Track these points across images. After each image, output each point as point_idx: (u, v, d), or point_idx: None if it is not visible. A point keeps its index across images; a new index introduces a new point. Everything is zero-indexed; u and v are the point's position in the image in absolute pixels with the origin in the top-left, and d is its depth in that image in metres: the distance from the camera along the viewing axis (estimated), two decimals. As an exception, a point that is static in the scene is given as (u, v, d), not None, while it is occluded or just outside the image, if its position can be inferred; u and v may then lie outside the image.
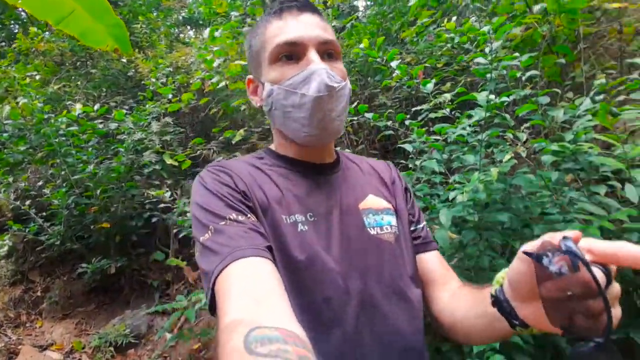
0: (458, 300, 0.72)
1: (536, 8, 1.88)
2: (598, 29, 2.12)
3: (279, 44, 0.70)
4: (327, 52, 0.72)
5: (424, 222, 0.87)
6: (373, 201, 0.78)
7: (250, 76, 0.81)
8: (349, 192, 0.77)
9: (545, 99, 1.51)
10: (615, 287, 0.46)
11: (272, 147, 0.82)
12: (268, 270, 0.56)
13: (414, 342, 0.71)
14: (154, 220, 3.25)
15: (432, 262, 0.81)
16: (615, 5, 1.90)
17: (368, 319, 0.67)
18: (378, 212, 0.77)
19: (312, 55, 0.69)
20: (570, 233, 0.45)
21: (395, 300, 0.70)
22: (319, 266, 0.66)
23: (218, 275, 0.55)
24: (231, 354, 0.41)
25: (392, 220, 0.78)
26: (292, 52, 0.70)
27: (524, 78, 1.58)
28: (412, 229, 0.83)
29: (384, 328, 0.68)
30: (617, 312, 0.45)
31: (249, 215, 0.64)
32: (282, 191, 0.71)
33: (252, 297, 0.50)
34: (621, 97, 1.60)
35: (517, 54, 1.54)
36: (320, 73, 0.68)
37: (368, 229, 0.74)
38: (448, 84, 2.37)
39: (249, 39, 0.79)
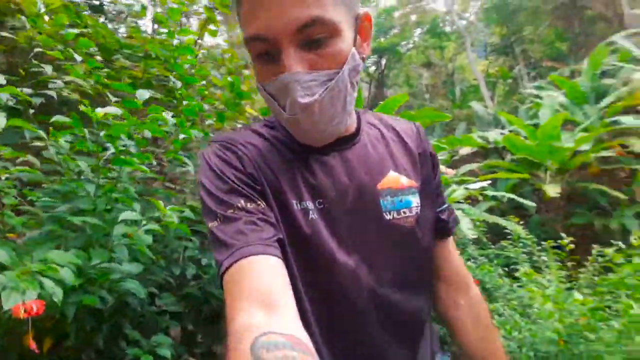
0: (468, 328, 0.75)
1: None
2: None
3: (249, 37, 0.58)
4: (308, 39, 0.56)
5: (447, 203, 0.80)
6: (393, 179, 0.70)
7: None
8: (366, 168, 0.69)
9: None
10: None
11: None
12: (277, 269, 0.54)
13: (422, 328, 0.71)
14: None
15: (446, 254, 0.78)
16: None
17: (378, 315, 0.65)
18: (398, 193, 0.69)
19: (286, 55, 0.56)
20: None
21: (407, 294, 0.68)
22: (329, 261, 0.63)
23: (226, 270, 0.54)
24: (239, 359, 0.42)
25: (414, 200, 0.71)
26: (265, 50, 0.58)
27: None
28: (437, 209, 0.77)
29: (395, 318, 0.67)
30: None
31: (258, 202, 0.61)
32: (294, 172, 0.66)
33: (261, 300, 0.49)
34: None
35: None
36: (290, 88, 0.56)
37: (384, 214, 0.68)
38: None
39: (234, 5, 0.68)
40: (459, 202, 3.69)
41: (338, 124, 0.63)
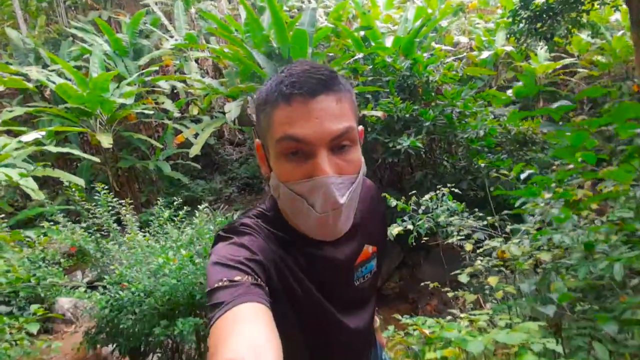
0: None
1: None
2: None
3: (285, 135, 0.64)
4: (338, 146, 0.66)
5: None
6: (365, 252, 0.83)
7: (259, 141, 0.74)
8: (351, 250, 0.80)
9: None
10: None
11: (282, 211, 0.75)
12: (263, 316, 0.56)
13: (370, 341, 0.97)
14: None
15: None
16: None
17: (347, 342, 0.84)
18: (366, 263, 0.83)
19: (321, 159, 0.64)
20: None
21: (363, 331, 0.87)
22: (333, 320, 0.78)
23: (215, 321, 0.56)
24: None
25: (374, 262, 0.86)
26: (298, 149, 0.64)
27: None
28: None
29: (356, 341, 0.87)
30: None
31: (257, 277, 0.63)
32: (293, 266, 0.72)
33: (250, 342, 0.51)
34: None
35: None
36: (327, 189, 0.64)
37: (355, 282, 0.82)
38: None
39: (257, 104, 0.71)
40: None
41: (351, 219, 0.72)
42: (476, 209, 3.18)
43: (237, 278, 0.60)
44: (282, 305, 0.69)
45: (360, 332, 0.85)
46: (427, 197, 3.13)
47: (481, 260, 2.45)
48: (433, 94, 5.98)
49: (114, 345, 3.05)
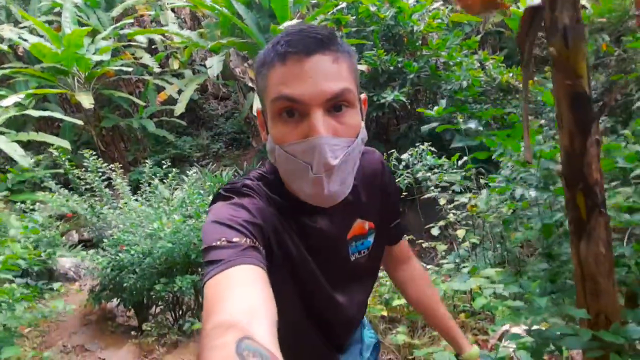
0: (413, 288, 1.01)
1: None
2: None
3: (279, 95, 0.63)
4: (335, 105, 0.64)
5: (399, 219, 0.96)
6: (359, 226, 0.83)
7: (259, 107, 0.73)
8: (343, 222, 0.80)
9: None
10: None
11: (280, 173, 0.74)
12: (259, 279, 0.56)
13: (359, 319, 0.95)
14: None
15: (398, 248, 0.99)
16: None
17: (340, 319, 0.86)
18: (361, 238, 0.83)
19: (315, 118, 0.62)
20: None
21: (352, 308, 0.87)
22: (325, 293, 0.80)
23: (210, 278, 0.55)
24: (220, 353, 0.41)
25: (371, 239, 0.86)
26: (293, 108, 0.64)
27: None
28: (391, 225, 0.93)
29: (348, 320, 0.89)
30: None
31: (255, 240, 0.63)
32: (290, 233, 0.73)
33: (246, 304, 0.50)
34: None
35: None
36: (321, 149, 0.62)
37: (350, 256, 0.82)
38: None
39: (256, 68, 0.71)
40: None
41: (347, 186, 0.70)
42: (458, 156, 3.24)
43: (235, 239, 0.60)
44: (281, 270, 0.70)
45: (349, 309, 0.85)
46: (405, 155, 3.26)
47: (454, 214, 2.66)
48: (418, 43, 5.90)
49: (118, 300, 3.30)
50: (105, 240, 3.23)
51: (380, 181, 0.87)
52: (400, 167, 3.42)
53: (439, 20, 5.89)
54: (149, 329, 3.08)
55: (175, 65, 9.00)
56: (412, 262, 1.04)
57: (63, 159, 4.18)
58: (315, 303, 0.80)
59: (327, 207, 0.71)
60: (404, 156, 3.28)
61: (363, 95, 0.74)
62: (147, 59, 8.32)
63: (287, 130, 0.64)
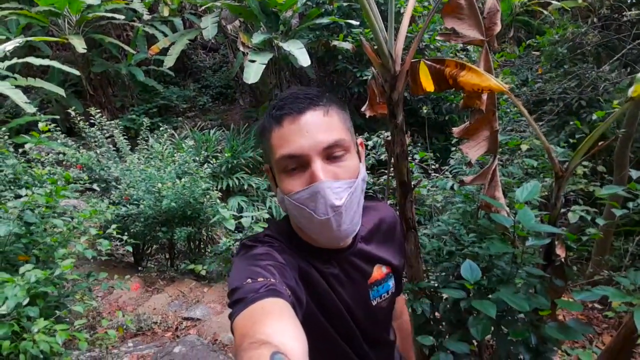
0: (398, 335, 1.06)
1: None
2: None
3: (281, 156, 0.69)
4: (331, 155, 0.70)
5: (404, 269, 1.00)
6: (378, 271, 0.87)
7: (267, 165, 0.79)
8: (360, 269, 0.84)
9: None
10: None
11: (293, 225, 0.81)
12: (289, 310, 0.57)
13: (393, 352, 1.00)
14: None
15: (396, 302, 1.00)
16: None
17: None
18: (381, 282, 0.87)
19: (316, 166, 0.67)
20: None
21: (380, 348, 0.91)
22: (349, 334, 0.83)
23: (237, 316, 0.57)
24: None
25: (391, 282, 0.89)
26: (295, 164, 0.69)
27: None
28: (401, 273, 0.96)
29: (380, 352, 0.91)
30: None
31: (277, 279, 0.65)
32: (326, 296, 0.78)
33: (279, 328, 0.52)
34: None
35: None
36: (324, 193, 0.67)
37: (372, 301, 0.85)
38: None
39: (259, 136, 0.78)
40: None
41: (356, 223, 0.75)
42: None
43: (260, 279, 0.63)
44: (312, 312, 0.74)
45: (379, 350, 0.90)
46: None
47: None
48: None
49: (122, 242, 3.90)
50: (112, 192, 3.76)
51: (395, 231, 0.96)
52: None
53: (427, 3, 6.20)
54: (151, 266, 3.74)
55: (165, 12, 8.92)
56: (404, 318, 1.15)
57: (78, 119, 4.47)
58: (342, 347, 0.83)
59: (339, 246, 0.78)
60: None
61: (359, 139, 0.81)
62: (136, 3, 8.23)
63: (292, 182, 0.70)
